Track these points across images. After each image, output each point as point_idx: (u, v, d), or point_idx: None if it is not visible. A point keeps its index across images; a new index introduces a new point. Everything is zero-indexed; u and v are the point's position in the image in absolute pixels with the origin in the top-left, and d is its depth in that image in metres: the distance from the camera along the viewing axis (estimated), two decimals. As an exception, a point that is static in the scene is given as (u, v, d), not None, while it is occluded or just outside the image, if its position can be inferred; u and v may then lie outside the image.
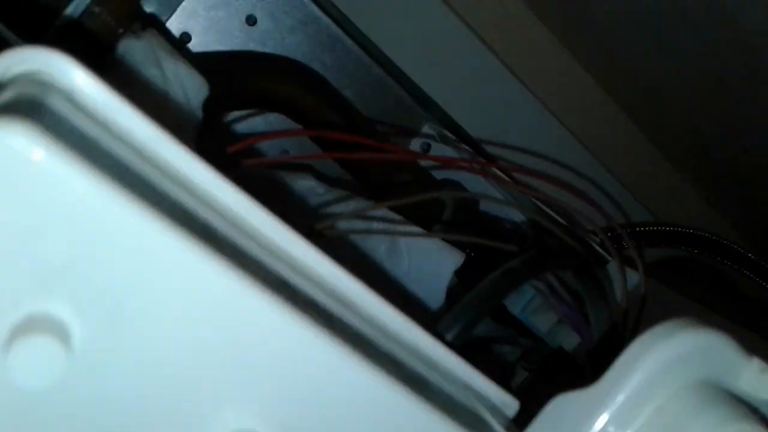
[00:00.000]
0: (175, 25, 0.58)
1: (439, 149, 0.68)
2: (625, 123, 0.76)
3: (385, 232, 0.43)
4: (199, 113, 0.41)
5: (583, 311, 0.38)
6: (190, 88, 0.40)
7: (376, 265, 0.43)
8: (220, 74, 0.43)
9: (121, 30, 0.42)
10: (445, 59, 0.68)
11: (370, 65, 0.65)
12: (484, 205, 0.51)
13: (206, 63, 0.43)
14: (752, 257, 0.69)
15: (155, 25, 0.52)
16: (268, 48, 0.61)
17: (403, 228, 0.43)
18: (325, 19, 0.62)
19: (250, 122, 0.49)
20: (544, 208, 0.46)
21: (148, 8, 0.57)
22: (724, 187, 0.78)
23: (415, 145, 0.68)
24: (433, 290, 0.43)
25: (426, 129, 0.68)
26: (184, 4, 0.58)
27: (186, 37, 0.59)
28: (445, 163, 0.46)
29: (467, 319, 0.30)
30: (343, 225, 0.40)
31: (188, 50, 0.58)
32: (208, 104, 0.42)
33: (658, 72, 0.66)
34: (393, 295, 0.27)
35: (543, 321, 0.44)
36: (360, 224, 0.43)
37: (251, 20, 0.61)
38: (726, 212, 0.82)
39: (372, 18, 0.64)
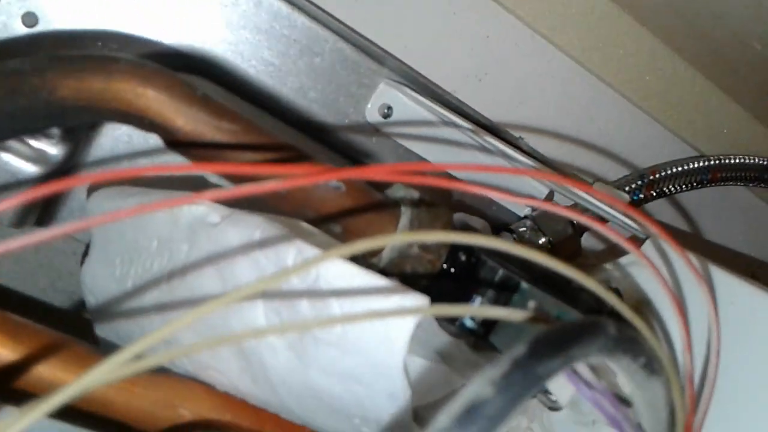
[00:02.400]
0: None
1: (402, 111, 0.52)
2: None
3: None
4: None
5: (626, 404, 0.23)
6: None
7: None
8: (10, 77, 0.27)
9: None
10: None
11: (292, 15, 0.48)
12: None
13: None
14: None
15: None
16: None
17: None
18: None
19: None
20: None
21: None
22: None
23: (372, 110, 0.52)
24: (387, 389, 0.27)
25: (385, 84, 0.52)
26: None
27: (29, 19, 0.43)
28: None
29: None
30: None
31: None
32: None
33: None
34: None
35: (559, 389, 0.28)
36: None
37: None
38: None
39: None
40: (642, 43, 0.57)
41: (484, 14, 0.54)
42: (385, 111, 0.52)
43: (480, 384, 0.17)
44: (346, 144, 0.53)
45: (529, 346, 0.18)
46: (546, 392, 0.38)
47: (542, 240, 0.55)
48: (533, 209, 0.58)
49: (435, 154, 0.54)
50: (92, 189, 0.38)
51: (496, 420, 0.16)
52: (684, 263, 0.28)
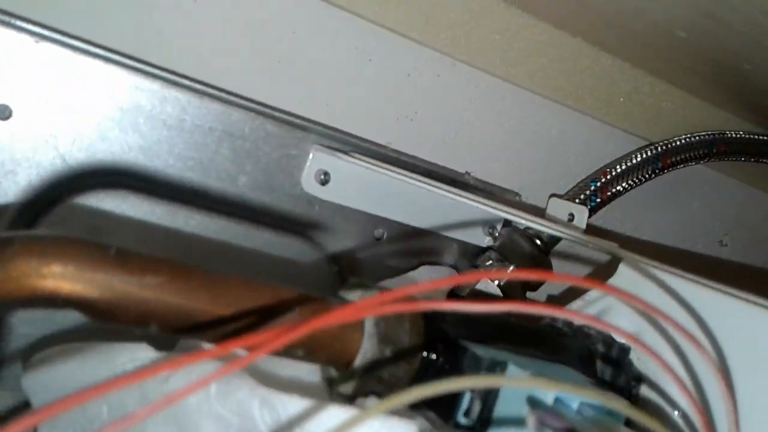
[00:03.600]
0: None
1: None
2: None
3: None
4: None
5: None
6: None
7: None
8: None
9: None
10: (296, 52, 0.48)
11: (202, 104, 0.45)
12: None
13: None
14: None
15: None
16: (28, 149, 0.41)
17: None
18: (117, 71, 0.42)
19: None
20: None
21: None
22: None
23: (309, 179, 0.49)
24: None
25: (316, 151, 0.49)
26: None
27: None
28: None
29: None
30: None
31: None
32: None
33: None
34: None
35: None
36: None
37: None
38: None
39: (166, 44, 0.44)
40: (563, 48, 0.56)
41: (400, 54, 0.52)
42: (322, 177, 0.50)
43: None
44: (289, 219, 0.50)
45: None
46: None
47: (510, 269, 0.53)
48: (494, 238, 0.55)
49: (382, 208, 0.52)
50: (28, 358, 0.35)
51: None
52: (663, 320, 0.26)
